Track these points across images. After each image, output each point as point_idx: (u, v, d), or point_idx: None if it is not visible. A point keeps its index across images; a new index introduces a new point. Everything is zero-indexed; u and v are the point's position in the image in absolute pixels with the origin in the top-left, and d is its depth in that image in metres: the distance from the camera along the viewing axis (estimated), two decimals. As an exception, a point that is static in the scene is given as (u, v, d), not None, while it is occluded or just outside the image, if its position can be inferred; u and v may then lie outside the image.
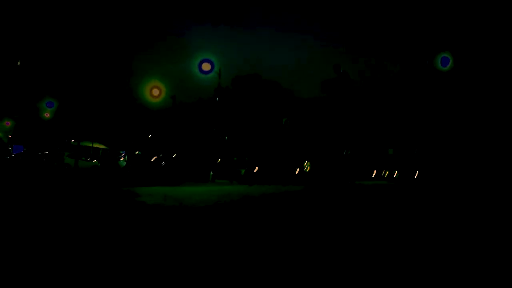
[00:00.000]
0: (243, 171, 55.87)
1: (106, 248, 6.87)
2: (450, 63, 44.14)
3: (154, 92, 43.97)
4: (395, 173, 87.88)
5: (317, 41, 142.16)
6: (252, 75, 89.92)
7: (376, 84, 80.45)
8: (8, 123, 72.45)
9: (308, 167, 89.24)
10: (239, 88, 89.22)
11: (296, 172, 71.67)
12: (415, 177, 75.09)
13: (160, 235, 7.76)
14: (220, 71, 40.24)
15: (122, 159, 56.26)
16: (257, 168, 55.93)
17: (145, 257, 6.18)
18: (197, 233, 7.96)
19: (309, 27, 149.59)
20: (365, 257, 7.09)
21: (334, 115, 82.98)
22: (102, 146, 71.77)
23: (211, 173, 38.16)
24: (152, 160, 54.33)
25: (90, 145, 66.10)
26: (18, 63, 67.89)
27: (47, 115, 71.67)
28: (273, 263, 6.25)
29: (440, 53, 44.38)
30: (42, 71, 72.02)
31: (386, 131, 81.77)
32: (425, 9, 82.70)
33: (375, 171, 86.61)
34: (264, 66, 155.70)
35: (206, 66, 37.45)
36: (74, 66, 75.25)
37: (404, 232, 9.85)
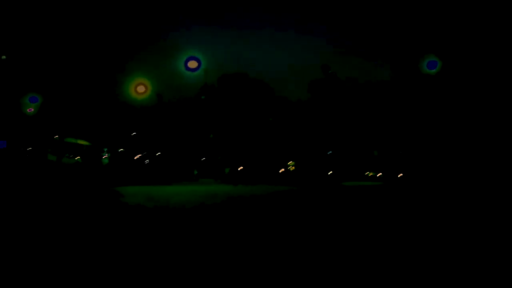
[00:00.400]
0: (227, 170, 55.56)
1: (85, 251, 6.48)
2: (437, 66, 44.15)
3: (140, 89, 43.44)
4: (379, 174, 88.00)
5: (305, 43, 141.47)
6: (239, 73, 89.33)
7: (362, 85, 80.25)
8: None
9: (293, 167, 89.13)
10: (225, 87, 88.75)
11: (280, 172, 71.49)
12: (399, 177, 75.13)
13: (143, 239, 7.41)
14: (206, 69, 39.75)
15: (105, 156, 55.68)
16: (241, 167, 55.62)
17: (127, 262, 5.85)
18: (183, 236, 7.63)
19: (297, 28, 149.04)
20: (361, 258, 7.00)
21: (320, 116, 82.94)
22: (85, 143, 70.95)
23: (195, 172, 37.71)
24: (135, 158, 53.79)
25: (74, 141, 65.35)
26: (3, 57, 66.92)
27: (30, 110, 70.71)
28: (264, 267, 5.98)
29: (427, 56, 44.40)
30: (26, 65, 71.03)
31: (372, 132, 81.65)
32: (412, 10, 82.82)
33: (361, 171, 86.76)
34: (251, 65, 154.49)
35: (192, 64, 36.90)
36: (58, 61, 74.30)
37: (396, 234, 9.56)
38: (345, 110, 75.18)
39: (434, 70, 44.78)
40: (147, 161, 53.26)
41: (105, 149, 59.68)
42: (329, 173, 78.09)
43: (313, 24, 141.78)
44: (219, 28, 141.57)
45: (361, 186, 42.94)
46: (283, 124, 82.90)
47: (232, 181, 34.38)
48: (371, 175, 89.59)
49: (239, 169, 53.36)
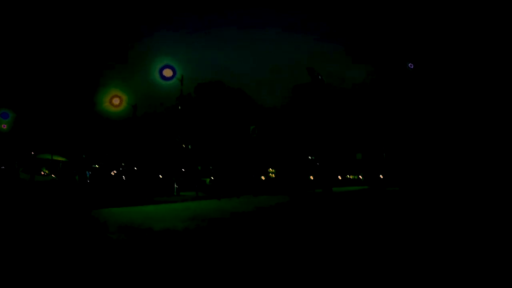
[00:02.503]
0: (207, 180, 54.37)
1: None
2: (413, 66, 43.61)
3: (115, 101, 41.95)
4: (360, 176, 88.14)
5: (282, 49, 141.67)
6: (215, 82, 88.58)
7: (345, 90, 79.93)
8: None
9: (273, 174, 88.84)
10: (202, 96, 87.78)
11: (262, 179, 70.70)
12: (381, 178, 75.23)
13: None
14: (182, 78, 38.42)
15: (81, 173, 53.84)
16: (219, 177, 54.55)
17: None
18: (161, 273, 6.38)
19: (274, 34, 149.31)
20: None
21: (302, 121, 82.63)
22: (61, 159, 69.18)
23: (175, 186, 36.18)
24: (112, 174, 52.23)
25: (49, 157, 63.34)
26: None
27: (4, 126, 68.67)
28: None
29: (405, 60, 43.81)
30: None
31: (355, 136, 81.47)
32: (394, 13, 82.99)
33: (344, 176, 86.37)
34: (227, 73, 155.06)
35: (167, 72, 35.76)
36: (31, 75, 72.69)
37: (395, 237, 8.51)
38: (329, 114, 74.70)
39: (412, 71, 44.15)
40: (124, 177, 51.62)
41: (89, 165, 57.61)
42: (309, 180, 77.62)
43: (293, 26, 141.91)
44: (193, 35, 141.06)
45: (351, 192, 42.29)
46: (263, 131, 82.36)
47: (216, 195, 32.93)
48: (352, 178, 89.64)
49: (220, 181, 52.10)
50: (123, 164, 72.57)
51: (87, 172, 50.61)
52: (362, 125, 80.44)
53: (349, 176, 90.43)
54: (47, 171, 59.45)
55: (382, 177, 75.87)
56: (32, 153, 63.08)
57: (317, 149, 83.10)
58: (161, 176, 63.50)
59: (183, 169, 49.34)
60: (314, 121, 79.25)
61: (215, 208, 18.76)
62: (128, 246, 8.64)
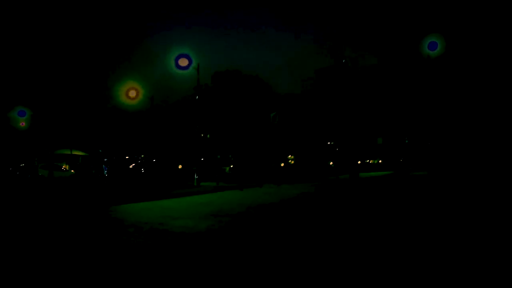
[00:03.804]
0: (227, 169, 53.57)
1: None
2: (438, 48, 42.15)
3: (131, 93, 41.32)
4: (380, 161, 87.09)
5: (298, 38, 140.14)
6: (232, 71, 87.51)
7: (365, 74, 78.51)
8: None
9: (292, 161, 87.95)
10: (219, 85, 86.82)
11: (282, 165, 69.79)
12: (403, 162, 74.12)
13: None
14: (198, 67, 37.49)
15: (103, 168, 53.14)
16: (239, 166, 53.81)
17: None
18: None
19: (289, 23, 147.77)
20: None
21: (321, 106, 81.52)
22: (81, 153, 68.81)
23: (195, 177, 35.32)
24: (130, 167, 51.50)
25: (69, 152, 62.86)
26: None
27: (22, 124, 68.45)
28: None
29: (429, 37, 42.36)
30: (14, 78, 69.03)
31: (375, 120, 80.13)
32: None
33: (363, 160, 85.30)
34: (243, 63, 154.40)
35: (183, 62, 34.90)
36: (47, 71, 72.33)
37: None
38: (349, 98, 73.68)
39: (435, 51, 42.60)
40: (142, 169, 50.89)
41: (105, 159, 56.95)
42: (329, 166, 76.60)
43: (305, 19, 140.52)
44: (210, 27, 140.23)
45: (377, 178, 41.34)
46: (281, 118, 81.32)
47: (237, 185, 31.98)
48: (372, 163, 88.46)
49: (239, 170, 51.26)
50: (142, 156, 71.99)
51: (104, 167, 50.00)
52: (382, 109, 79.05)
53: (369, 160, 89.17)
54: (67, 166, 59.00)
55: (403, 161, 74.84)
56: (51, 149, 62.76)
57: (337, 134, 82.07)
58: (180, 167, 62.76)
59: (202, 159, 48.69)
60: (335, 105, 78.16)
61: (239, 202, 17.77)
62: (144, 251, 7.74)
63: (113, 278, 6.03)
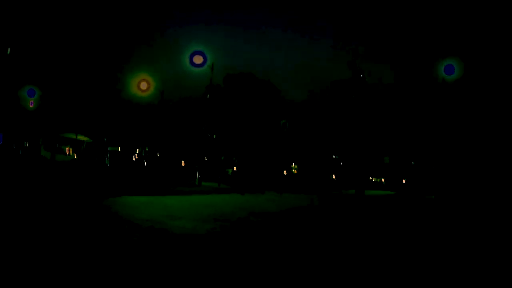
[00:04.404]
0: (230, 171, 53.31)
1: None
2: (455, 72, 41.63)
3: (142, 85, 41.16)
4: (383, 180, 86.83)
5: (312, 45, 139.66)
6: (245, 73, 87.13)
7: (375, 91, 78.13)
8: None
9: (295, 170, 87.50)
10: (230, 86, 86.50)
11: (285, 173, 69.49)
12: (408, 184, 73.87)
13: None
14: (212, 66, 37.21)
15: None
16: (242, 169, 53.54)
17: None
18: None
19: (305, 30, 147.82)
20: None
21: (331, 118, 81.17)
22: (86, 139, 68.41)
23: (197, 176, 34.96)
24: (133, 159, 51.09)
25: (74, 137, 62.51)
26: (8, 51, 64.40)
27: (31, 103, 68.34)
28: None
29: (444, 61, 41.83)
30: (25, 59, 68.73)
31: (384, 139, 79.81)
32: (427, 13, 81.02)
33: (367, 177, 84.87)
34: (257, 67, 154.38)
35: (198, 59, 34.60)
36: (59, 55, 72.08)
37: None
38: (362, 114, 73.20)
39: (452, 76, 42.07)
40: (145, 162, 50.49)
41: (109, 148, 56.48)
42: (332, 179, 76.27)
43: (321, 26, 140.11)
44: (224, 26, 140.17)
45: (382, 197, 40.97)
46: (290, 126, 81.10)
47: (239, 189, 31.52)
48: (374, 181, 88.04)
49: (242, 175, 50.83)
50: (146, 149, 71.72)
51: (107, 155, 49.61)
52: (392, 129, 78.71)
53: (372, 178, 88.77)
54: (71, 150, 58.69)
55: (407, 183, 74.65)
56: (57, 131, 62.45)
57: (343, 148, 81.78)
58: (183, 164, 62.39)
59: (206, 158, 48.38)
60: (346, 119, 77.74)
61: (240, 206, 17.29)
62: (138, 252, 7.27)
63: (95, 278, 5.57)
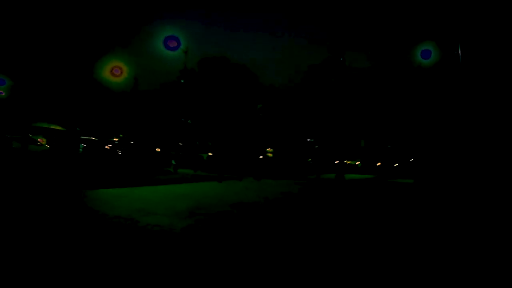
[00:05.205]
0: (205, 156, 52.99)
1: None
2: (431, 56, 41.53)
3: (116, 72, 40.29)
4: (358, 163, 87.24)
5: (287, 32, 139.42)
6: (219, 57, 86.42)
7: (352, 74, 78.06)
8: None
9: (271, 154, 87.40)
10: (205, 71, 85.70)
11: (261, 158, 69.17)
12: (383, 167, 74.14)
13: None
14: (187, 50, 36.42)
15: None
16: (218, 154, 53.06)
17: None
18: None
19: (280, 17, 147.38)
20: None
21: (307, 102, 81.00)
22: (58, 128, 67.12)
23: (173, 162, 34.35)
24: (107, 147, 50.10)
25: (46, 126, 61.23)
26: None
27: (1, 93, 66.86)
28: None
29: (423, 45, 41.79)
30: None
31: (360, 122, 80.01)
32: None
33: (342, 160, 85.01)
34: (231, 52, 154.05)
35: (172, 43, 34.04)
36: (30, 42, 70.45)
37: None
38: (339, 96, 73.12)
39: (428, 60, 42.08)
40: (119, 151, 49.56)
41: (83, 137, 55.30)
42: (309, 163, 76.05)
43: (299, 14, 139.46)
44: (198, 13, 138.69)
45: (362, 181, 40.74)
46: (265, 110, 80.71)
47: (217, 176, 30.93)
48: (349, 164, 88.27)
49: (215, 157, 50.41)
50: (120, 136, 70.70)
51: (79, 145, 48.60)
52: (369, 112, 78.90)
53: (347, 161, 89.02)
54: (44, 141, 57.38)
55: (382, 166, 75.10)
56: (29, 121, 61.18)
57: (319, 132, 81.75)
58: (158, 150, 61.64)
59: (181, 144, 47.74)
60: (322, 103, 77.62)
61: (219, 197, 16.57)
62: (106, 253, 6.56)
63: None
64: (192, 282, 5.63)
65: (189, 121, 75.59)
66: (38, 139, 54.79)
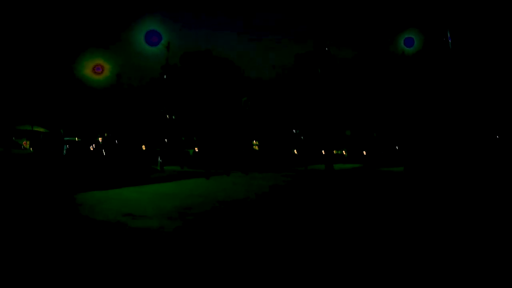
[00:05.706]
0: (191, 151, 52.82)
1: None
2: (414, 44, 41.66)
3: (98, 69, 39.84)
4: (344, 152, 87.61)
5: (268, 24, 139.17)
6: (202, 51, 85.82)
7: (336, 64, 78.13)
8: None
9: (256, 147, 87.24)
10: (188, 65, 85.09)
11: (247, 151, 69.12)
12: (370, 156, 74.52)
13: None
14: (168, 45, 36.08)
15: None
16: (204, 149, 52.86)
17: None
18: None
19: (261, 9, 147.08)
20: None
21: (292, 93, 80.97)
22: (42, 130, 66.34)
23: (159, 160, 34.04)
24: (91, 148, 49.52)
25: (30, 128, 60.52)
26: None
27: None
28: None
29: (406, 33, 41.91)
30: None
31: (346, 113, 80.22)
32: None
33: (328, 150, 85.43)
34: (215, 43, 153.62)
35: (153, 38, 33.70)
36: (9, 42, 69.56)
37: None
38: (325, 86, 73.13)
39: (411, 48, 42.23)
40: (103, 151, 49.01)
41: (66, 138, 54.67)
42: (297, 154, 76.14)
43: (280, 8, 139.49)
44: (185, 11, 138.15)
45: (351, 170, 40.76)
46: (250, 103, 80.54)
47: (204, 172, 30.61)
48: (336, 153, 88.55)
49: (202, 152, 50.25)
50: (105, 135, 70.11)
51: (63, 147, 48.01)
52: (354, 102, 79.07)
53: (333, 151, 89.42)
54: (27, 144, 56.69)
55: (368, 155, 75.66)
56: (12, 124, 60.41)
57: (304, 123, 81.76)
58: (144, 148, 61.16)
59: (166, 140, 47.43)
60: (307, 93, 77.60)
61: (207, 195, 16.26)
62: (91, 263, 6.24)
63: None
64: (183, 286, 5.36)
65: (173, 116, 75.11)
66: (23, 142, 54.12)
